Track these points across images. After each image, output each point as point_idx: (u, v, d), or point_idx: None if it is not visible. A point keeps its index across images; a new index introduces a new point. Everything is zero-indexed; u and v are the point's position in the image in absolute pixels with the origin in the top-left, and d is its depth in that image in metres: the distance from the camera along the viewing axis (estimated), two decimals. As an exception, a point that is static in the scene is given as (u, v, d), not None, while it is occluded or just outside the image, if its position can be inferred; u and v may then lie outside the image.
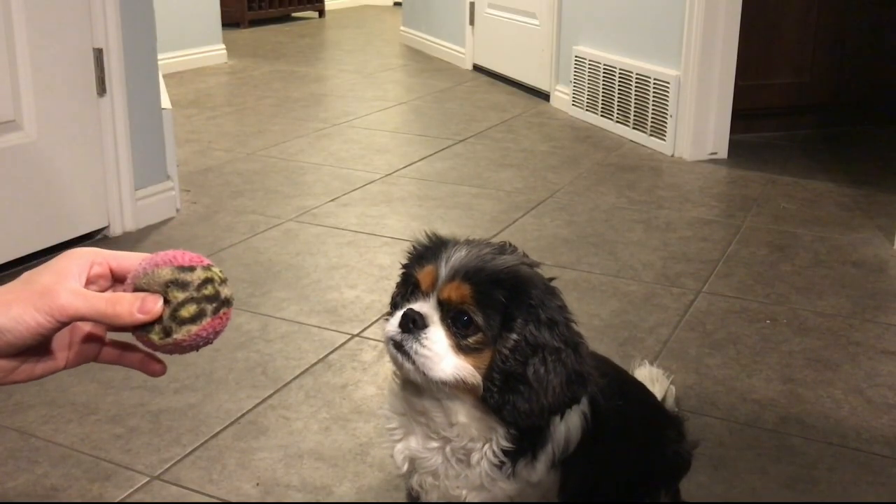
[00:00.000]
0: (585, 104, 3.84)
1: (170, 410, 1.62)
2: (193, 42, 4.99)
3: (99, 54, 2.36)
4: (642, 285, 2.19)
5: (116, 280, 0.82)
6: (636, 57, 3.52)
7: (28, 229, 2.25)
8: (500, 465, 0.98)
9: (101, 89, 2.39)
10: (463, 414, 0.97)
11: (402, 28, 6.04)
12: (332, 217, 2.64)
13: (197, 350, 0.79)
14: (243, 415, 1.62)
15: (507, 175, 3.07)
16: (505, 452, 0.98)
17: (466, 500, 1.02)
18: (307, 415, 1.62)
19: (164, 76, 2.99)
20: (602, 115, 3.74)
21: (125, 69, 2.42)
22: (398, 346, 0.94)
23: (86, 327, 0.83)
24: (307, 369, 1.77)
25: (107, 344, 0.85)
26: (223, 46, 5.21)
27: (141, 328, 0.77)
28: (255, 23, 6.69)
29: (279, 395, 1.68)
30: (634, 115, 3.52)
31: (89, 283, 0.80)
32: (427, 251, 1.00)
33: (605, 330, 1.95)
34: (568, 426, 1.01)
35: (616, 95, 3.62)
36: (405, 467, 1.05)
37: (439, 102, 4.23)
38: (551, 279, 1.01)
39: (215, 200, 2.78)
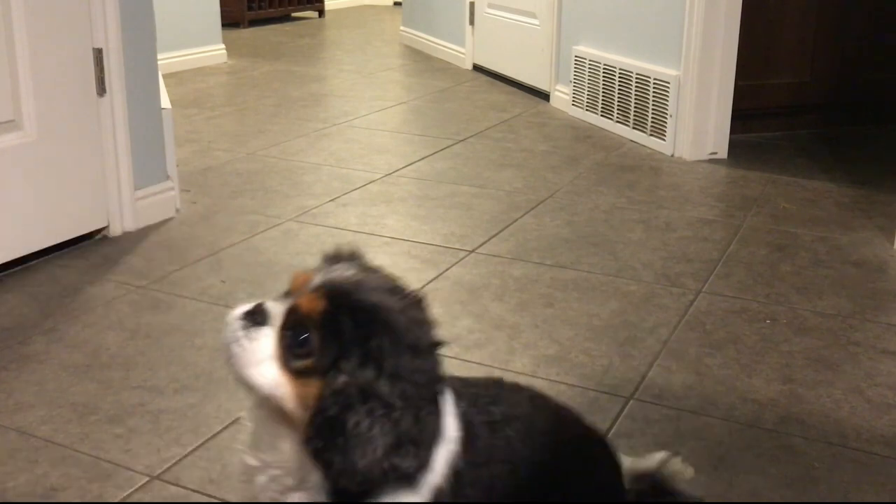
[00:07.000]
0: (585, 104, 3.84)
1: (170, 410, 1.62)
2: (193, 42, 4.99)
3: (99, 54, 2.36)
4: (642, 285, 2.19)
5: None
6: (636, 57, 3.52)
7: (28, 229, 2.25)
8: None
9: (101, 89, 2.39)
10: (287, 441, 0.86)
11: (401, 28, 6.04)
12: (332, 217, 2.64)
13: None
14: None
15: (507, 175, 3.07)
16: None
17: None
18: (307, 415, 1.62)
19: (164, 76, 2.99)
20: (602, 115, 3.74)
21: (125, 69, 2.42)
22: (229, 336, 0.87)
23: None
24: (307, 369, 1.77)
25: None
26: (223, 46, 5.21)
27: None
28: (254, 23, 6.69)
29: (279, 395, 1.68)
30: (634, 115, 3.52)
31: None
32: (332, 261, 0.92)
33: (605, 330, 1.96)
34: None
35: (616, 95, 3.62)
36: (242, 477, 0.93)
37: (439, 102, 4.23)
38: (434, 342, 0.88)
39: (215, 200, 2.78)
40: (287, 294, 0.89)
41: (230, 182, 2.96)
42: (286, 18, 7.10)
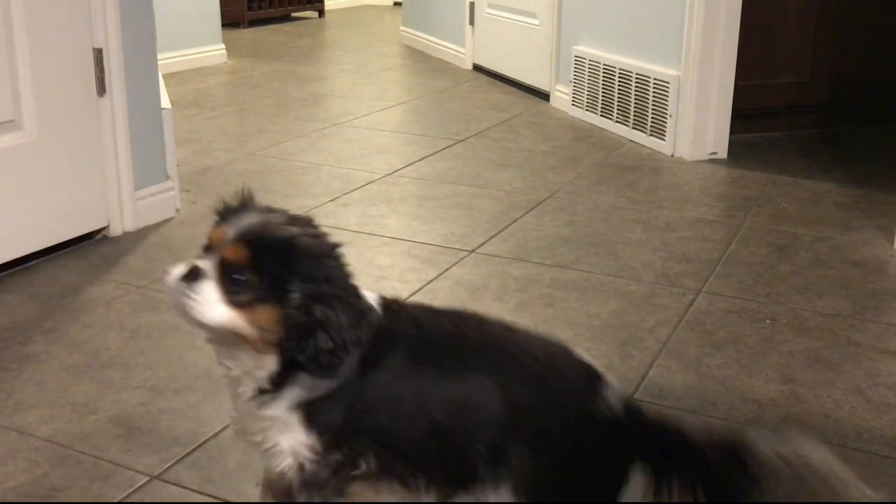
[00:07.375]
0: (585, 104, 3.84)
1: (170, 410, 1.62)
2: (193, 42, 4.99)
3: (99, 54, 2.36)
4: (642, 285, 2.19)
5: None
6: (636, 57, 3.52)
7: (28, 229, 2.25)
8: (257, 400, 1.12)
9: (101, 89, 2.39)
10: (244, 353, 1.10)
11: (402, 28, 6.04)
12: (332, 217, 2.64)
13: None
14: (243, 415, 1.61)
15: (507, 175, 3.07)
16: (263, 390, 1.12)
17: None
18: (307, 415, 1.62)
19: (164, 76, 2.99)
20: (602, 115, 3.74)
21: (125, 69, 2.42)
22: (175, 294, 1.06)
23: None
24: (307, 369, 1.77)
25: None
26: (223, 46, 5.21)
27: None
28: (254, 23, 6.69)
29: (279, 395, 1.68)
30: (634, 115, 3.52)
31: None
32: (230, 213, 1.13)
33: (605, 330, 1.96)
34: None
35: (616, 95, 3.62)
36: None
37: (439, 102, 4.23)
38: (336, 245, 1.12)
39: (215, 200, 2.76)
40: (208, 249, 1.09)
41: (230, 182, 2.96)
42: (286, 18, 7.10)
